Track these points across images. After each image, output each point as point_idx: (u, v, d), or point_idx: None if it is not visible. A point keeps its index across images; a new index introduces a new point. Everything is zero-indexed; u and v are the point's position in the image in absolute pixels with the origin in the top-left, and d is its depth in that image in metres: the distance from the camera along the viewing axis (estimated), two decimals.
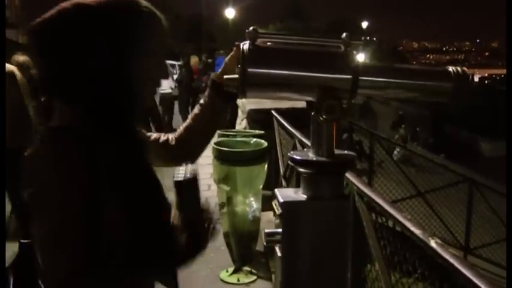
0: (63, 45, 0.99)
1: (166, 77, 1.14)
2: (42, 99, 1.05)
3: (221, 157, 3.47)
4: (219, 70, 1.36)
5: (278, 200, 1.28)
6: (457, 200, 6.79)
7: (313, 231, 1.25)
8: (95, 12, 1.00)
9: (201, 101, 1.40)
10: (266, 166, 3.61)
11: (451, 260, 1.23)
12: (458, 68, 1.23)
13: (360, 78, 1.22)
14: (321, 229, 1.25)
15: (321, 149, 1.25)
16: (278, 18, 30.99)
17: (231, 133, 4.15)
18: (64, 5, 1.02)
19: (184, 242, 1.03)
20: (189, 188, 1.06)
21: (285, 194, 1.30)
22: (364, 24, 37.25)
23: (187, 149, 1.39)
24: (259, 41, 1.22)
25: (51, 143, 0.97)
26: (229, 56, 1.34)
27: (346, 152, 1.30)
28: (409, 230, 1.46)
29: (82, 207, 0.92)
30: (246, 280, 3.74)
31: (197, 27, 30.32)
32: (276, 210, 1.28)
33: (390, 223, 1.74)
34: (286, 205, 1.25)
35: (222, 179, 3.49)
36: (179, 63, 15.69)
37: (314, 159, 1.25)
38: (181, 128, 1.41)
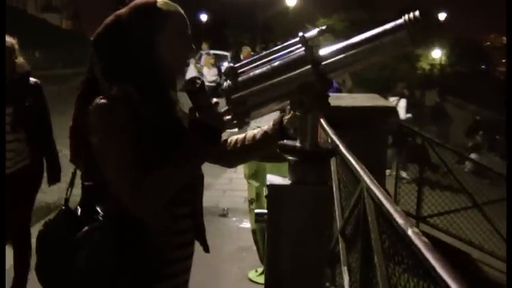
0: (113, 47, 1.56)
1: (191, 53, 1.63)
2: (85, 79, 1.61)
3: None
4: (287, 120, 1.67)
5: (266, 184, 1.59)
6: None
7: (295, 213, 1.55)
8: (126, 21, 1.56)
9: (265, 129, 1.73)
10: None
11: (421, 248, 1.49)
12: (411, 14, 1.42)
13: (322, 64, 1.50)
14: (302, 211, 1.55)
15: (305, 140, 1.55)
16: (343, 7, 30.94)
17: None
18: (107, 20, 1.59)
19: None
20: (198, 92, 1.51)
21: (274, 179, 1.61)
22: (442, 16, 36.48)
23: (231, 157, 1.81)
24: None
25: (108, 105, 1.47)
26: (289, 116, 1.66)
27: (328, 143, 1.60)
28: (395, 220, 1.73)
29: (123, 152, 1.45)
30: None
31: (253, 16, 30.84)
32: (265, 192, 1.60)
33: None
34: (272, 188, 1.57)
35: (252, 175, 3.81)
36: (230, 53, 16.13)
37: (298, 147, 1.56)
38: (238, 140, 1.79)
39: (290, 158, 1.58)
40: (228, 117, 1.54)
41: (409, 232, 1.58)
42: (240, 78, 1.56)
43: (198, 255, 1.72)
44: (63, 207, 1.62)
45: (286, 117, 1.68)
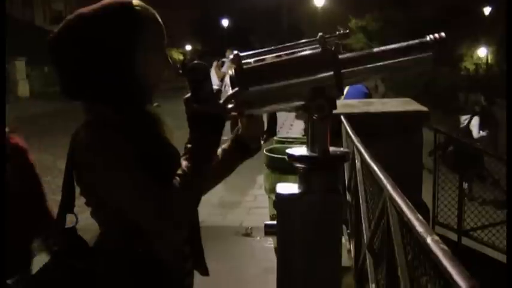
0: (78, 55, 1.41)
1: (168, 68, 1.54)
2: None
3: (273, 165, 3.85)
4: (241, 130, 1.69)
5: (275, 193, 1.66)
6: None
7: (304, 224, 1.61)
8: (92, 21, 1.41)
9: (223, 147, 1.70)
10: None
11: (440, 256, 1.53)
12: (436, 35, 1.54)
13: (342, 71, 1.56)
14: (313, 222, 1.61)
15: (315, 146, 1.61)
16: (377, 6, 30.89)
17: (287, 140, 4.52)
18: (69, 17, 1.44)
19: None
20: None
21: (283, 187, 1.68)
22: (487, 10, 35.98)
23: None
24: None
25: (97, 135, 1.39)
26: (244, 121, 1.67)
27: (340, 149, 1.66)
28: (414, 227, 1.77)
29: (135, 172, 1.37)
30: None
31: (279, 19, 31.03)
32: (274, 203, 1.67)
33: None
34: (280, 198, 1.63)
35: (273, 189, 3.84)
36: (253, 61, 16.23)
37: (307, 154, 1.62)
38: None
39: (298, 165, 1.64)
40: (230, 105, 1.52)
41: (429, 240, 1.62)
42: (250, 70, 1.58)
43: (220, 278, 1.76)
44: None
45: (239, 126, 1.70)
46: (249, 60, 1.58)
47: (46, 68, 21.96)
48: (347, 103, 5.53)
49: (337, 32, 1.57)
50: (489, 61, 38.45)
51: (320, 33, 1.56)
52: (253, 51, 1.60)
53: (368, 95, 6.98)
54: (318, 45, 1.57)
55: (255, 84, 1.55)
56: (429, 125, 6.71)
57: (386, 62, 1.58)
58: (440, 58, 1.54)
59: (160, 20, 1.50)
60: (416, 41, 1.58)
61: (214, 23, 43.81)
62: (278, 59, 1.61)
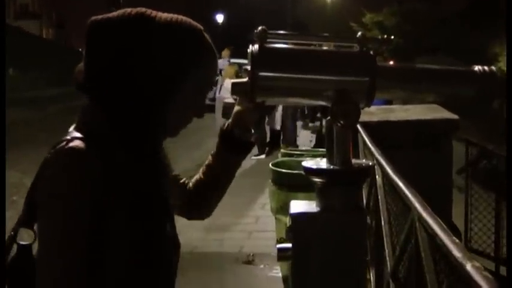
0: (120, 55, 1.37)
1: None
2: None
3: (280, 181, 3.85)
4: (230, 121, 1.73)
5: (289, 212, 1.66)
6: None
7: (325, 247, 1.61)
8: (158, 31, 1.38)
9: (212, 153, 1.78)
10: None
11: (482, 285, 1.53)
12: (486, 67, 1.57)
13: (378, 80, 1.59)
14: (334, 244, 1.61)
15: (335, 157, 1.62)
16: None
17: (296, 152, 4.53)
18: (134, 13, 1.39)
19: None
20: None
21: (298, 205, 1.68)
22: None
23: (200, 204, 1.83)
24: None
25: (67, 157, 1.30)
26: (237, 109, 1.72)
27: (363, 161, 1.66)
28: (450, 252, 1.77)
29: (87, 224, 1.28)
30: None
31: (282, 13, 31.13)
32: (287, 223, 1.67)
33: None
34: (296, 217, 1.64)
35: (280, 208, 3.85)
36: None
37: (326, 167, 1.62)
38: (193, 181, 1.81)
39: (316, 180, 1.64)
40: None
41: (468, 267, 1.62)
42: (276, 52, 1.60)
43: None
44: None
45: (229, 121, 1.74)
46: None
47: (11, 70, 21.77)
48: (364, 110, 5.53)
49: (380, 37, 1.60)
50: None
51: (360, 33, 1.59)
52: (281, 32, 1.62)
53: (388, 101, 6.99)
54: (353, 45, 1.60)
55: (277, 69, 1.57)
56: (459, 136, 6.71)
57: (424, 85, 1.63)
58: (484, 95, 1.56)
59: (216, 64, 1.51)
60: (462, 68, 1.63)
61: (207, 18, 43.90)
62: (308, 48, 1.62)
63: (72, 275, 1.28)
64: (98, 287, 1.31)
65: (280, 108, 11.71)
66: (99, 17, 1.42)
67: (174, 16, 1.43)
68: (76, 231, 1.28)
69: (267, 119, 12.07)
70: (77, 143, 1.31)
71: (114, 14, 1.42)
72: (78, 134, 1.35)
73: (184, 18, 1.44)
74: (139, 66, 1.36)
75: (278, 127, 11.93)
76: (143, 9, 1.41)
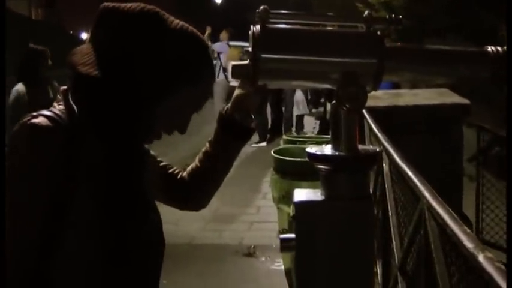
0: (121, 50, 1.41)
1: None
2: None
3: (282, 169, 3.84)
4: (229, 105, 1.75)
5: (293, 201, 1.66)
6: None
7: (330, 237, 1.62)
8: (169, 31, 1.45)
9: (210, 139, 1.80)
10: None
11: (495, 276, 1.53)
12: (499, 48, 1.56)
13: (386, 62, 1.58)
14: (340, 234, 1.61)
15: (341, 143, 1.62)
16: None
17: (299, 139, 4.52)
18: (143, 6, 1.45)
19: None
20: None
21: (302, 194, 1.68)
22: None
23: (196, 194, 1.84)
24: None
25: (27, 130, 1.36)
26: (237, 93, 1.74)
27: (370, 147, 1.66)
28: (462, 243, 1.77)
29: (40, 197, 1.34)
30: None
31: None
32: (291, 212, 1.67)
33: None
34: (300, 206, 1.64)
35: (283, 198, 3.85)
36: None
37: (331, 153, 1.62)
38: (188, 170, 1.83)
39: (321, 167, 1.64)
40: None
41: (481, 258, 1.63)
42: (279, 32, 1.60)
43: None
44: None
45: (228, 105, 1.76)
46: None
47: None
48: (370, 95, 5.51)
49: (388, 16, 1.59)
50: None
51: (367, 11, 1.58)
52: (284, 11, 1.62)
53: (395, 85, 6.97)
54: (359, 25, 1.60)
55: (280, 51, 1.57)
56: (470, 121, 6.70)
57: (434, 67, 1.62)
58: (499, 76, 1.56)
59: (212, 80, 1.60)
60: (474, 49, 1.62)
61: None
62: (312, 28, 1.62)
63: (23, 245, 1.35)
64: (54, 265, 1.35)
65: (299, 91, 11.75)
66: (111, 4, 1.46)
67: (185, 24, 1.49)
68: (29, 203, 1.35)
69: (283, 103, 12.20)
70: (40, 119, 1.37)
71: (128, 5, 1.46)
72: (47, 112, 1.40)
73: (195, 29, 1.51)
74: (144, 64, 1.41)
75: (298, 112, 12.04)
76: (157, 8, 1.47)
